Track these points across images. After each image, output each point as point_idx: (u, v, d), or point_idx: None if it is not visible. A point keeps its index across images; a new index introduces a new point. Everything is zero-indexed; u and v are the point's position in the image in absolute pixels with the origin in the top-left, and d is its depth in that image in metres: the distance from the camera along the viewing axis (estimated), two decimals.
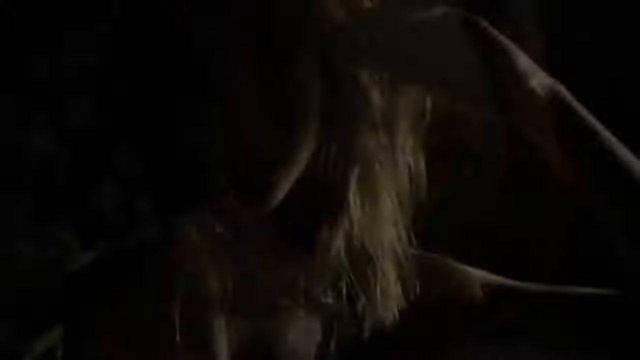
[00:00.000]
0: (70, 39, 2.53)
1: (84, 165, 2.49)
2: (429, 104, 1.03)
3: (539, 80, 0.96)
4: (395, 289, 1.03)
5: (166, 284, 1.10)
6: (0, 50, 2.52)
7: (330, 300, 1.04)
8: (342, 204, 1.02)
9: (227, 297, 1.07)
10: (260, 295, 1.07)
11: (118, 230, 2.43)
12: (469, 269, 1.08)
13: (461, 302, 1.05)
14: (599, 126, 0.97)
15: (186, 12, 1.00)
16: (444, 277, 1.07)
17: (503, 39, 0.96)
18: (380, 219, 1.03)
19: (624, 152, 0.97)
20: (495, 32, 0.97)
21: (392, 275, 1.04)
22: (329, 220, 1.03)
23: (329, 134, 1.02)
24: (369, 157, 1.02)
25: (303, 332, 1.05)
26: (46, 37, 2.54)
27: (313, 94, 1.00)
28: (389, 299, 1.03)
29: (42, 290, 2.47)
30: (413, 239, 1.06)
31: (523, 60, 0.96)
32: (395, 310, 1.03)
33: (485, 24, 0.97)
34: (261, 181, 0.98)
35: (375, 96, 1.02)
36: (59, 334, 1.16)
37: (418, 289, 1.05)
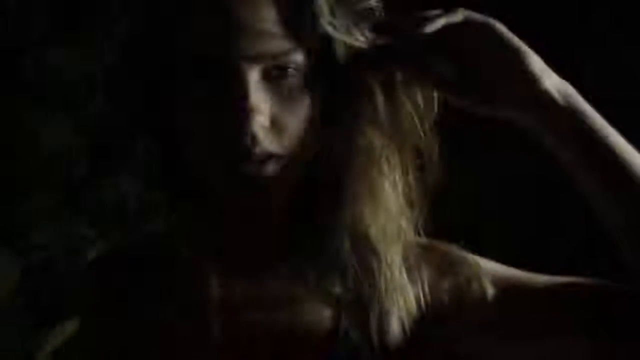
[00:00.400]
0: (88, 38, 2.55)
1: (101, 158, 2.51)
2: (437, 101, 1.04)
3: (552, 81, 0.99)
4: (400, 279, 1.04)
5: (166, 284, 1.10)
6: (21, 47, 2.52)
7: (338, 290, 1.04)
8: (342, 198, 1.03)
9: (234, 291, 1.07)
10: (270, 286, 1.07)
11: (133, 222, 2.45)
12: (479, 259, 1.08)
13: (471, 294, 1.05)
14: (607, 126, 0.99)
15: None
16: (455, 267, 1.07)
17: (518, 41, 0.99)
18: (383, 211, 1.04)
19: (632, 152, 0.99)
20: (511, 35, 0.99)
21: (396, 266, 1.04)
22: (330, 214, 1.04)
23: (332, 131, 1.02)
24: (373, 153, 1.03)
25: (312, 322, 1.05)
26: (62, 34, 2.55)
27: (315, 94, 1.00)
28: (395, 289, 1.04)
29: (55, 284, 2.48)
30: (421, 230, 1.07)
31: (537, 62, 0.99)
32: (402, 302, 1.03)
33: (502, 27, 0.99)
34: (262, 175, 0.99)
35: (379, 95, 1.03)
36: (70, 330, 1.16)
37: (428, 279, 1.06)
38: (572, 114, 0.99)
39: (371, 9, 1.02)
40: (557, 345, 1.03)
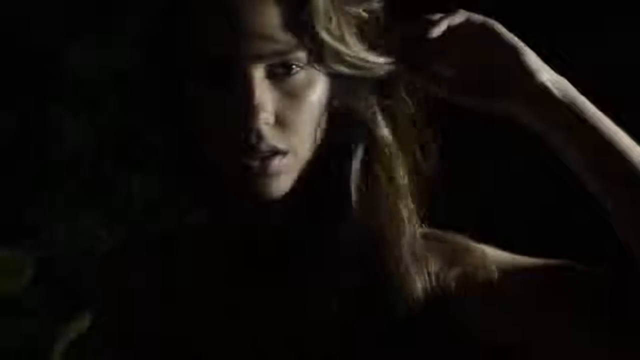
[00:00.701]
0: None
1: (114, 158, 2.51)
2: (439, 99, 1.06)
3: (548, 75, 1.02)
4: (407, 271, 1.04)
5: (171, 283, 1.11)
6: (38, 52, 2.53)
7: (344, 284, 1.05)
8: (347, 193, 1.04)
9: (240, 291, 1.08)
10: (275, 284, 1.07)
11: (142, 222, 2.44)
12: (484, 247, 1.09)
13: (478, 282, 1.05)
14: (604, 117, 1.02)
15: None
16: (461, 256, 1.07)
17: (515, 39, 1.02)
18: (388, 205, 1.05)
19: (632, 144, 1.01)
20: (509, 33, 1.03)
21: (403, 259, 1.05)
22: (336, 209, 1.05)
23: (337, 128, 1.04)
24: (377, 149, 1.05)
25: (319, 319, 1.05)
26: (78, 35, 2.55)
27: (320, 91, 1.02)
28: (401, 281, 1.04)
29: (69, 280, 2.48)
30: (426, 221, 1.08)
31: (533, 58, 1.02)
32: (409, 293, 1.04)
33: (500, 26, 1.03)
34: (267, 171, 1.00)
35: (382, 94, 1.05)
36: (83, 325, 1.18)
37: (435, 269, 1.06)
38: (569, 106, 1.01)
39: (372, 11, 1.03)
40: (560, 331, 1.03)
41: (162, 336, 1.09)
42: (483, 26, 1.03)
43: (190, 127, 1.02)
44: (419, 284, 1.05)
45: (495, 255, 1.08)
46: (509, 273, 1.06)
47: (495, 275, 1.05)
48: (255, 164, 0.99)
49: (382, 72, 1.03)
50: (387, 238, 1.05)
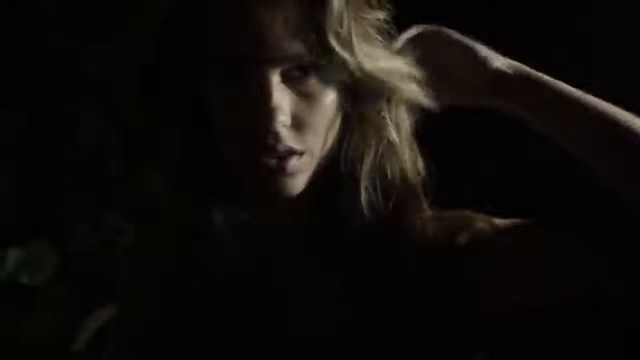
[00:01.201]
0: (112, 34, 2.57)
1: (132, 153, 2.52)
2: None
3: (501, 61, 1.08)
4: (421, 262, 1.07)
5: (185, 279, 1.14)
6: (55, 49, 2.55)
7: (356, 279, 1.07)
8: (358, 192, 1.07)
9: (251, 290, 1.11)
10: (287, 283, 1.11)
11: (148, 218, 2.46)
12: (485, 216, 1.13)
13: (485, 242, 1.08)
14: (563, 84, 1.07)
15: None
16: (468, 224, 1.11)
17: (465, 38, 1.10)
18: (399, 201, 1.09)
19: (603, 106, 1.06)
20: (459, 34, 1.10)
21: (417, 250, 1.08)
22: (345, 208, 1.07)
23: (349, 127, 1.08)
24: (388, 148, 1.09)
25: (322, 314, 1.08)
26: (94, 30, 2.57)
27: (333, 92, 1.05)
28: (418, 275, 1.07)
29: (96, 271, 2.52)
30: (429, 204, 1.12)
31: (483, 50, 1.09)
32: (423, 283, 1.06)
33: (450, 30, 1.10)
34: (284, 170, 1.02)
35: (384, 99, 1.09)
36: (105, 316, 1.22)
37: (445, 244, 1.09)
38: (526, 80, 1.07)
39: (381, 21, 1.07)
40: (563, 282, 1.06)
41: (169, 334, 1.13)
42: (436, 33, 1.10)
43: (202, 127, 1.05)
44: (432, 269, 1.07)
45: (498, 220, 1.12)
46: (505, 233, 1.09)
47: (501, 234, 1.08)
48: (273, 161, 1.01)
49: (391, 81, 1.06)
50: (397, 235, 1.08)
